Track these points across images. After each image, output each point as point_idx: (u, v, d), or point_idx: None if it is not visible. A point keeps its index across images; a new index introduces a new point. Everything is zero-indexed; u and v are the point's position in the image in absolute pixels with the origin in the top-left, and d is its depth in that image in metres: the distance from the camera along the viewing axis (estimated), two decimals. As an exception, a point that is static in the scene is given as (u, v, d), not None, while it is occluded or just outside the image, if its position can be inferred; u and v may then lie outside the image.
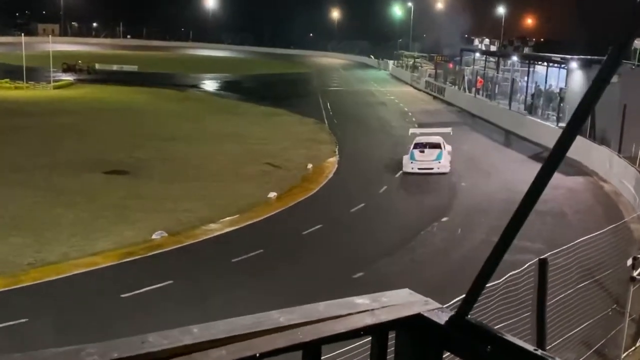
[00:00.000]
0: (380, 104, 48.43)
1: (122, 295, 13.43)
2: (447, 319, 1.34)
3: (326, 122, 37.83)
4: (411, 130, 28.20)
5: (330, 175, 25.06)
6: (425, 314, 1.36)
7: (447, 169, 24.67)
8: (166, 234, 17.37)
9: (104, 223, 18.05)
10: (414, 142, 25.86)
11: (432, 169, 24.44)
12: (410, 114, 42.49)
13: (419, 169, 24.42)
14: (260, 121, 37.47)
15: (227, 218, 19.09)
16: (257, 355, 1.15)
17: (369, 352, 1.35)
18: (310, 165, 26.28)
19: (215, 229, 18.24)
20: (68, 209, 19.12)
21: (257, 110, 41.98)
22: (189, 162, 26.09)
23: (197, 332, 1.16)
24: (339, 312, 1.31)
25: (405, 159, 24.99)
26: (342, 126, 36.10)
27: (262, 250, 16.25)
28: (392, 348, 1.37)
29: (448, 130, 28.10)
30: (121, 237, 16.97)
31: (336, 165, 26.74)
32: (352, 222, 19.16)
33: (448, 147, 26.00)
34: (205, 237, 17.50)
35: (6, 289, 13.75)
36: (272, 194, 21.62)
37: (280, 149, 29.21)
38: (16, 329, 11.72)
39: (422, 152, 24.95)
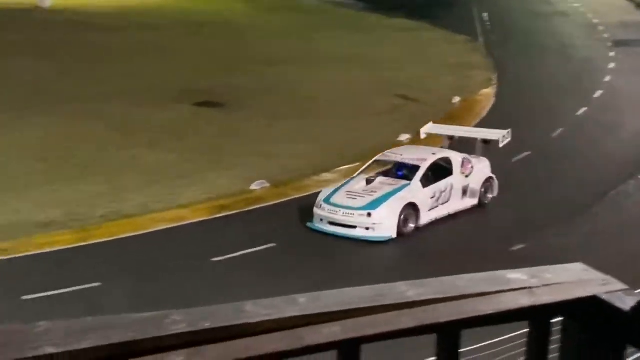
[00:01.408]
0: (558, 14, 46.48)
1: (213, 259, 14.08)
2: (634, 304, 1.33)
3: (481, 39, 37.07)
4: (427, 128, 19.20)
5: (484, 113, 24.65)
6: (604, 297, 1.35)
7: (383, 235, 15.54)
8: (268, 185, 17.89)
9: (192, 168, 18.84)
10: (375, 158, 17.73)
11: (352, 227, 15.74)
12: (601, 28, 40.54)
13: (329, 223, 15.92)
14: (391, 39, 37.18)
15: (345, 166, 19.32)
16: (379, 334, 1.19)
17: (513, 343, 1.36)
18: (457, 99, 25.96)
19: (330, 179, 18.54)
20: (149, 150, 20.09)
21: (387, 24, 41.63)
22: (298, 93, 26.49)
23: (304, 303, 1.22)
24: (485, 289, 1.32)
25: (321, 196, 16.52)
26: (503, 46, 35.12)
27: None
28: (555, 337, 1.37)
29: (497, 135, 18.56)
30: (213, 187, 17.68)
31: (493, 99, 26.23)
32: (513, 175, 18.85)
33: (477, 177, 17.48)
34: (316, 190, 17.81)
35: (76, 245, 14.80)
36: (405, 136, 21.57)
37: (418, 77, 28.94)
38: (87, 295, 12.61)
39: (370, 182, 16.59)
